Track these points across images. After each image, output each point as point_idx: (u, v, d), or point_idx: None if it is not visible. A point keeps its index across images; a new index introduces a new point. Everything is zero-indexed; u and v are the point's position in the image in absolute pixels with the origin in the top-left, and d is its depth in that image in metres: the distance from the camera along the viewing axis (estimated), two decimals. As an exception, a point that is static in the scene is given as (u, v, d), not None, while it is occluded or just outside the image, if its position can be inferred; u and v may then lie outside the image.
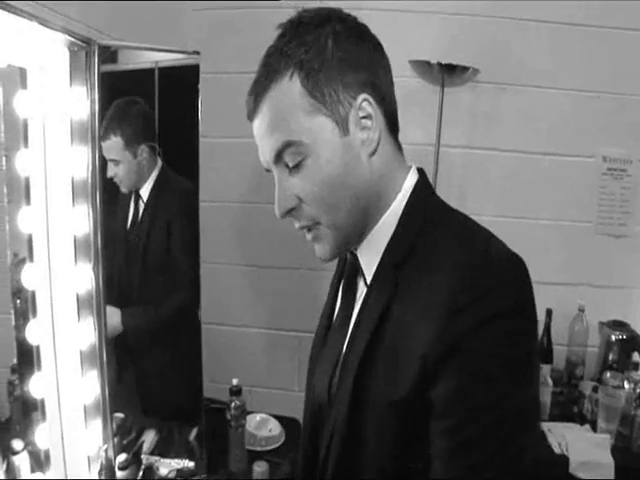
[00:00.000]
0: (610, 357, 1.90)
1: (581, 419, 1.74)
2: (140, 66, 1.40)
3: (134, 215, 1.53)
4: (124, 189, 1.48)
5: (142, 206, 1.51)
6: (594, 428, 1.69)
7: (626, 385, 1.71)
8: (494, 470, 0.63)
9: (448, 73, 1.73)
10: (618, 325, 1.92)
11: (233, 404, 1.48)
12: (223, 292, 2.05)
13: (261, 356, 2.08)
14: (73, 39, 1.05)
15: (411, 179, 0.79)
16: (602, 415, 1.66)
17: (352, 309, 0.83)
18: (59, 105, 1.10)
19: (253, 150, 0.79)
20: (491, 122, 1.93)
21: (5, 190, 1.10)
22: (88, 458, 1.23)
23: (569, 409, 1.79)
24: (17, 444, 1.13)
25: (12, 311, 1.13)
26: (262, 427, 1.65)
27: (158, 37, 1.71)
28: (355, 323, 0.79)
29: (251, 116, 0.77)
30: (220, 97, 1.91)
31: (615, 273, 1.98)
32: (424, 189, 0.80)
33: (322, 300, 2.02)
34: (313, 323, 1.99)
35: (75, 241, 1.15)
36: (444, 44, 1.83)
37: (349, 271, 0.85)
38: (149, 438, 1.51)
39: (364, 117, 0.74)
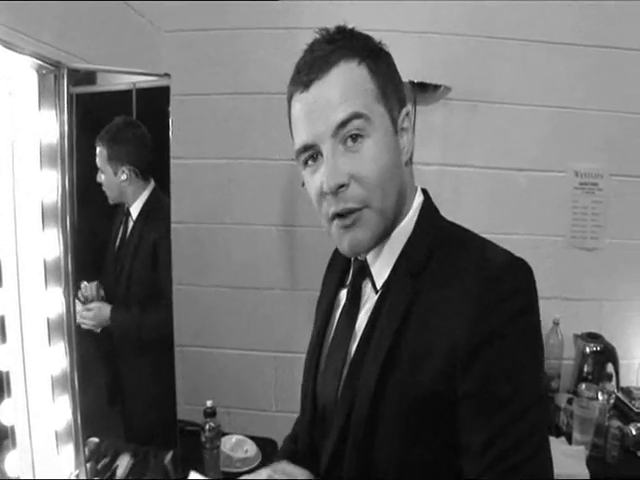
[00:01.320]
0: (585, 369, 1.93)
1: (557, 431, 1.77)
2: (118, 87, 1.42)
3: (123, 232, 1.54)
4: (110, 200, 1.49)
5: (131, 224, 1.52)
6: (570, 440, 1.72)
7: (600, 396, 1.75)
8: (527, 451, 0.68)
9: (420, 91, 1.77)
10: (592, 337, 1.96)
11: (207, 426, 1.47)
12: (198, 314, 2.05)
13: (238, 377, 2.07)
14: (42, 62, 1.06)
15: (419, 198, 0.86)
16: (577, 427, 1.69)
17: (357, 313, 0.86)
18: (28, 128, 1.10)
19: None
20: (464, 139, 1.96)
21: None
22: (60, 484, 1.22)
23: (545, 422, 1.81)
24: (-14, 472, 1.12)
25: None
26: (238, 448, 1.64)
27: (135, 59, 1.73)
28: (368, 327, 0.82)
29: (310, 82, 0.76)
30: (194, 118, 1.93)
31: (588, 286, 2.02)
32: (431, 207, 0.86)
33: (297, 319, 2.05)
34: (288, 343, 2.03)
35: (45, 265, 1.15)
36: (416, 63, 1.86)
37: (355, 277, 0.89)
38: (124, 462, 1.49)
39: (404, 129, 0.81)
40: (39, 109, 1.11)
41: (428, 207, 0.86)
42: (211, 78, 1.94)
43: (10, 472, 1.12)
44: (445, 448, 0.73)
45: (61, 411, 1.19)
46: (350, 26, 0.83)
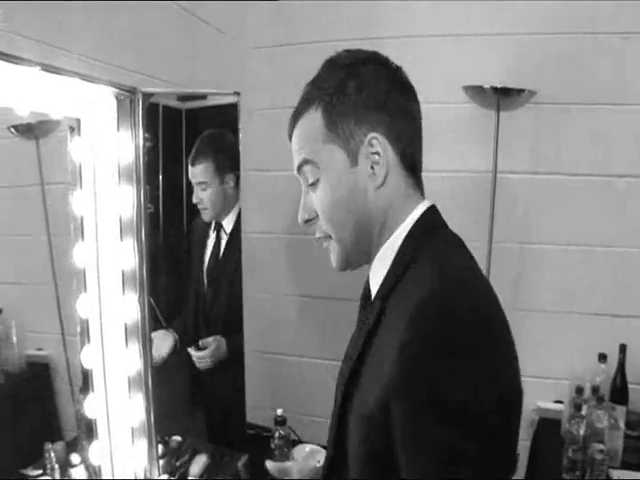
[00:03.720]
0: None
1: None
2: (224, 101, 1.48)
3: (215, 246, 1.61)
4: (206, 217, 1.56)
5: (224, 238, 1.59)
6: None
7: None
8: None
9: (503, 96, 1.71)
10: None
11: (277, 434, 1.53)
12: (286, 322, 2.13)
13: (317, 386, 2.11)
14: (118, 89, 1.18)
15: (415, 214, 0.86)
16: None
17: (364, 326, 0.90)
18: (108, 149, 1.22)
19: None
20: (555, 145, 1.87)
21: (72, 226, 1.24)
22: (135, 475, 1.33)
23: (647, 457, 1.65)
24: (75, 458, 1.27)
25: (78, 337, 1.27)
26: (311, 458, 1.67)
27: (222, 76, 1.85)
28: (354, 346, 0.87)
29: (289, 135, 0.92)
30: (279, 130, 2.01)
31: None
32: (425, 224, 0.85)
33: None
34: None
35: (123, 274, 1.27)
36: (500, 66, 1.81)
37: (364, 291, 0.94)
38: (200, 461, 1.59)
39: (373, 153, 0.83)
40: (117, 130, 1.23)
41: (422, 223, 0.85)
42: (294, 91, 2.01)
43: (93, 460, 1.26)
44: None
45: (136, 409, 1.30)
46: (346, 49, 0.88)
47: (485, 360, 0.66)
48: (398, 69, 0.88)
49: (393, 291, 0.79)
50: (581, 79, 1.82)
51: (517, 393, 0.70)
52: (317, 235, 0.91)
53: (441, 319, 0.67)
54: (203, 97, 1.44)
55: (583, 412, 1.62)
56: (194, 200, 1.52)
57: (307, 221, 0.90)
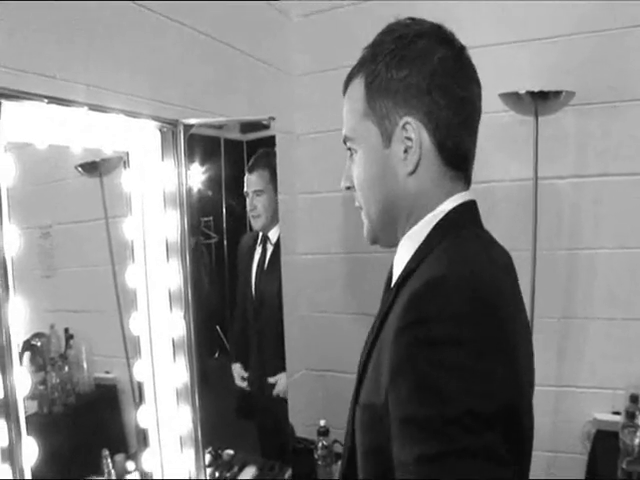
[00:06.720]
0: None
1: None
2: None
3: (261, 258, 1.74)
4: (258, 225, 1.69)
5: (270, 249, 1.72)
6: None
7: None
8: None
9: (541, 101, 1.76)
10: None
11: (320, 444, 1.64)
12: (335, 339, 2.25)
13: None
14: (160, 122, 1.34)
15: (448, 205, 0.85)
16: None
17: None
18: (154, 178, 1.39)
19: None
20: (602, 145, 1.89)
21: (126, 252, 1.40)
22: (183, 483, 1.48)
23: None
24: (130, 465, 1.43)
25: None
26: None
27: (270, 103, 2.01)
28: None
29: (344, 94, 0.94)
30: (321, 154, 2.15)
31: None
32: (455, 218, 0.85)
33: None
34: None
35: (170, 293, 1.43)
36: (534, 70, 1.86)
37: (388, 275, 0.97)
38: (249, 473, 1.72)
39: (407, 138, 0.83)
40: (162, 160, 1.40)
41: (453, 217, 0.85)
42: (339, 114, 2.14)
43: (145, 467, 1.42)
44: None
45: (183, 420, 1.45)
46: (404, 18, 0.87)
47: (476, 352, 0.67)
48: (461, 49, 0.86)
49: (408, 279, 0.80)
50: (627, 75, 1.83)
51: (516, 388, 0.71)
52: (356, 204, 0.94)
53: (442, 311, 0.68)
54: (266, 127, 1.57)
55: (638, 421, 1.64)
56: (248, 208, 1.65)
57: (347, 188, 0.94)
